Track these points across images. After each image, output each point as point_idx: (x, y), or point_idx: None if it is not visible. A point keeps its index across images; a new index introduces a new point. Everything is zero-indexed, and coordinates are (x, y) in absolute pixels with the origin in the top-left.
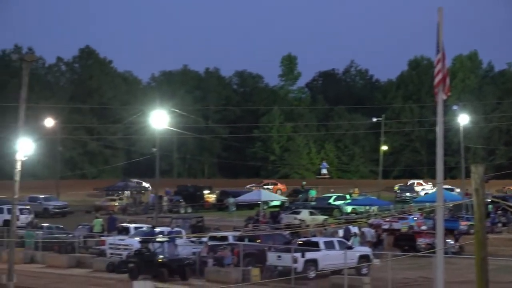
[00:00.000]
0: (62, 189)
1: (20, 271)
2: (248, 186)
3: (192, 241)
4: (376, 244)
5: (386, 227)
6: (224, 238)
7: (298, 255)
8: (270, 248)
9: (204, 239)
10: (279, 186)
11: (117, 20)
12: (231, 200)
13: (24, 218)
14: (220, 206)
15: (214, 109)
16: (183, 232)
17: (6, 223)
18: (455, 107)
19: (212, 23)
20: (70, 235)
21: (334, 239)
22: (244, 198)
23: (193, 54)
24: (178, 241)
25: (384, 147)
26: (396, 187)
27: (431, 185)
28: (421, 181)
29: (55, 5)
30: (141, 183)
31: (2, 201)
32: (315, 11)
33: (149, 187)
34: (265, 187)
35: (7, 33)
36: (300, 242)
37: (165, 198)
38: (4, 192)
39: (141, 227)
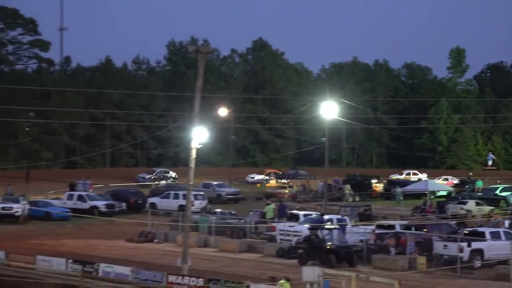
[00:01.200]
0: (235, 176)
1: (194, 255)
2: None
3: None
4: None
5: None
6: (391, 227)
7: (464, 244)
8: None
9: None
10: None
11: (289, 13)
12: (399, 189)
13: (198, 204)
14: (387, 195)
15: (383, 100)
16: (347, 220)
17: (182, 208)
18: None
19: (381, 16)
20: (242, 221)
21: (500, 230)
22: (411, 187)
23: (362, 46)
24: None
25: None
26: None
27: (426, 176)
28: (416, 171)
29: None
30: (168, 172)
31: (178, 187)
32: (484, 4)
33: (175, 175)
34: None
35: (184, 26)
36: (466, 232)
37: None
38: (180, 178)
39: (310, 214)
